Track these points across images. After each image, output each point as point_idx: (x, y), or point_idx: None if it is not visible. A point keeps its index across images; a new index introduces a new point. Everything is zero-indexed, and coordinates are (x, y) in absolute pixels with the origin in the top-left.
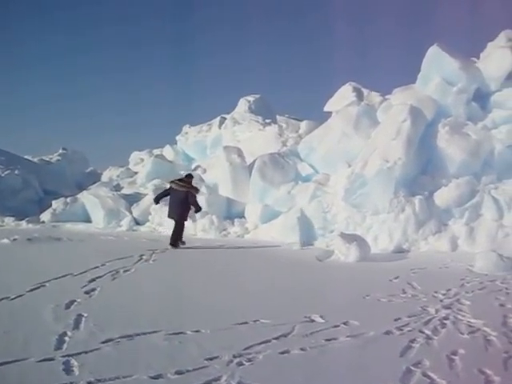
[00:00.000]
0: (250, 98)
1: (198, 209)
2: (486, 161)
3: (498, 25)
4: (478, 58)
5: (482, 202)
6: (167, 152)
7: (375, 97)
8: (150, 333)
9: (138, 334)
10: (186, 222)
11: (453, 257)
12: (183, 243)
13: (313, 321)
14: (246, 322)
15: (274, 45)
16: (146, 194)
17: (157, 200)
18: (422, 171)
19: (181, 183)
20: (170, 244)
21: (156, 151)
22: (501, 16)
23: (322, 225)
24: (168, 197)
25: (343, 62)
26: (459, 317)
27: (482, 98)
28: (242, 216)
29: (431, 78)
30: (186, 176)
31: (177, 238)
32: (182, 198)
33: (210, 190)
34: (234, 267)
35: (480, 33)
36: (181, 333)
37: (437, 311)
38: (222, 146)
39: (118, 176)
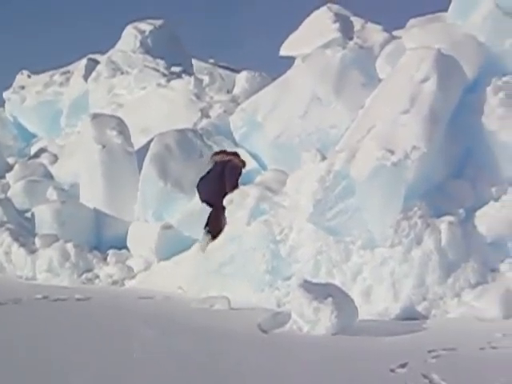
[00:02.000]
0: (145, 26)
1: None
2: None
3: None
4: None
5: None
6: None
7: (374, 32)
8: None
9: None
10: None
11: (506, 328)
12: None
13: None
14: None
15: None
16: None
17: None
18: (454, 172)
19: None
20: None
21: None
22: None
23: (269, 265)
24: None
25: None
26: None
27: None
28: (122, 246)
29: (476, 1)
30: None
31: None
32: (218, 172)
33: (63, 196)
34: (101, 346)
35: None
36: None
37: None
38: (89, 113)
39: None
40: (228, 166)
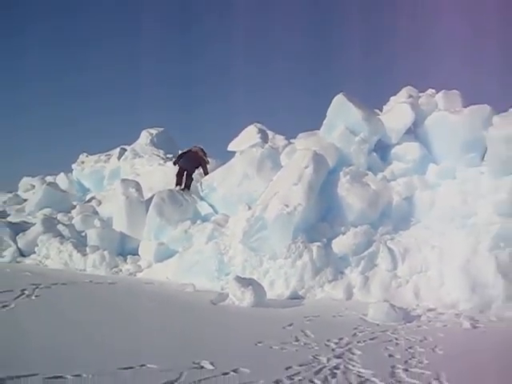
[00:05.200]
0: (153, 131)
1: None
2: (383, 211)
3: (403, 77)
4: (381, 109)
5: (377, 252)
6: (61, 180)
7: (280, 140)
8: (24, 376)
9: (11, 378)
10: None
11: (347, 305)
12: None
13: (202, 367)
14: (132, 367)
15: (178, 87)
16: (33, 224)
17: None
18: (321, 218)
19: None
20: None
21: (49, 179)
22: (406, 68)
23: (218, 267)
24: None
25: (249, 102)
26: (349, 367)
27: (382, 149)
28: (135, 253)
29: (335, 125)
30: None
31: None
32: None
33: (103, 224)
34: (123, 308)
35: (386, 82)
36: (60, 377)
37: (328, 360)
38: (120, 178)
39: (4, 202)
40: (198, 153)
